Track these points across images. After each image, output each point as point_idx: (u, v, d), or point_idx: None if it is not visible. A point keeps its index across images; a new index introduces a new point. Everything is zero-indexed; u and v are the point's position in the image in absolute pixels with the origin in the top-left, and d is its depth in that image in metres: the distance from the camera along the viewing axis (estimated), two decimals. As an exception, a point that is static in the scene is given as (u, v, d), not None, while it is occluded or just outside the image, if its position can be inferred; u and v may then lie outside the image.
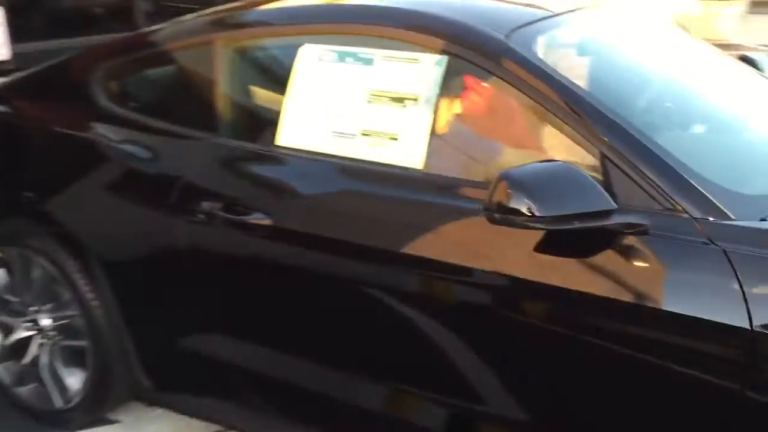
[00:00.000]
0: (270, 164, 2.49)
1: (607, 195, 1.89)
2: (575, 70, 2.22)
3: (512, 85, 2.17)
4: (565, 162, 1.94)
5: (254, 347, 2.55)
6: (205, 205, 2.48)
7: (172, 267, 2.62)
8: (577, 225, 1.85)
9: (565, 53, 2.36)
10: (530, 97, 2.13)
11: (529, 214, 1.84)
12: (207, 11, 2.92)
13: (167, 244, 2.59)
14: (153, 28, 3.02)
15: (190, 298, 2.61)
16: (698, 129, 2.34)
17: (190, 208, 2.50)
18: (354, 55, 2.40)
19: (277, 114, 2.46)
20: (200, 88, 2.65)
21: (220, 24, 2.73)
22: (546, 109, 2.11)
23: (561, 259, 1.96)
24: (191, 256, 2.55)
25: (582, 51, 2.44)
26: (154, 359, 2.76)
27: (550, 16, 2.49)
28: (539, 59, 2.19)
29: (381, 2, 2.55)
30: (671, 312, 1.85)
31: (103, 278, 2.71)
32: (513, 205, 1.86)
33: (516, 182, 1.87)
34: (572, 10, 2.60)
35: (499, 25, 2.32)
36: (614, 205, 1.88)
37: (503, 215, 1.88)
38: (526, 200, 1.84)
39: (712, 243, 1.85)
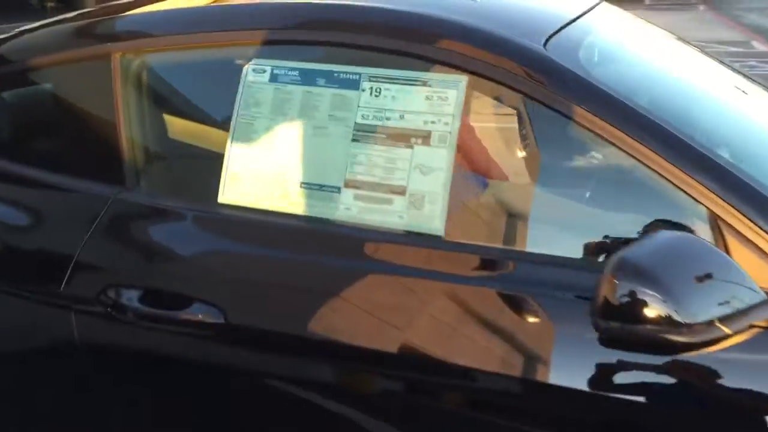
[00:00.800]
0: (212, 232, 1.73)
1: (752, 280, 1.32)
2: (636, 92, 1.64)
3: (565, 116, 1.55)
4: (686, 232, 1.34)
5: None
6: (112, 293, 1.70)
7: (62, 383, 1.81)
8: (728, 332, 1.26)
9: (616, 67, 1.78)
10: (596, 135, 1.53)
11: (662, 320, 1.23)
12: (91, 10, 2.10)
13: (55, 351, 1.79)
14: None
15: (93, 425, 1.82)
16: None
17: (90, 298, 1.72)
18: (329, 75, 1.70)
19: (219, 158, 1.72)
20: (96, 122, 1.85)
21: (120, 29, 1.92)
22: (619, 148, 1.50)
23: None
24: (92, 368, 1.76)
25: (628, 63, 1.87)
26: None
27: (576, 18, 1.89)
28: (597, 79, 1.59)
29: (364, 1, 1.84)
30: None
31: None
32: (633, 310, 1.24)
33: (635, 270, 1.25)
34: (587, 10, 2.02)
35: (530, 32, 1.70)
36: (764, 295, 1.31)
37: (624, 326, 1.25)
38: (659, 301, 1.23)
39: None
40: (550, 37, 1.69)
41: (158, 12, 1.91)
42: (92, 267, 1.74)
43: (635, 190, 1.54)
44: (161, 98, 1.87)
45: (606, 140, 1.51)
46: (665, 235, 1.31)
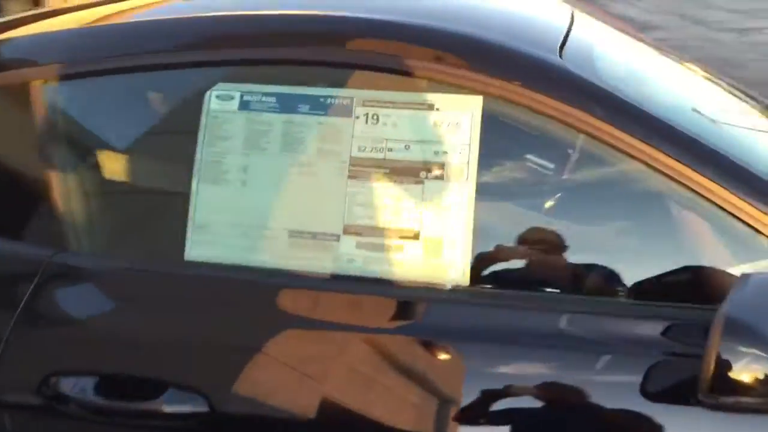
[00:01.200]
0: (179, 297, 1.40)
1: None
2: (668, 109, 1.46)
3: (595, 138, 1.35)
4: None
5: None
6: (55, 383, 1.36)
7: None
8: None
9: (632, 78, 1.59)
10: (634, 158, 1.33)
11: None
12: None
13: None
14: None
15: None
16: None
17: (27, 391, 1.36)
18: (314, 100, 1.42)
19: (182, 206, 1.41)
20: (15, 167, 1.48)
21: (41, 50, 1.54)
22: (668, 176, 1.31)
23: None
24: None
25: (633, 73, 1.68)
26: None
27: (571, 23, 1.70)
28: (626, 94, 1.40)
29: (354, 12, 1.54)
30: None
31: None
32: (747, 378, 1.05)
33: (741, 328, 1.06)
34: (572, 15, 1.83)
35: (539, 42, 1.49)
36: None
37: (740, 400, 1.06)
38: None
39: None
40: (562, 46, 1.49)
41: (91, 28, 1.56)
42: (27, 352, 1.38)
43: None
44: (102, 134, 1.51)
45: (650, 166, 1.31)
46: (758, 279, 1.13)
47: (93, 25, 1.62)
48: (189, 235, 1.40)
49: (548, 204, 1.41)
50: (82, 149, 1.50)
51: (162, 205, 1.48)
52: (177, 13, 1.67)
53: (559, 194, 1.42)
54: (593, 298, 1.34)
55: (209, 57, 1.48)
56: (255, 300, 1.38)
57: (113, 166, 1.50)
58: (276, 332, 1.35)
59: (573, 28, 1.65)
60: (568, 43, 1.52)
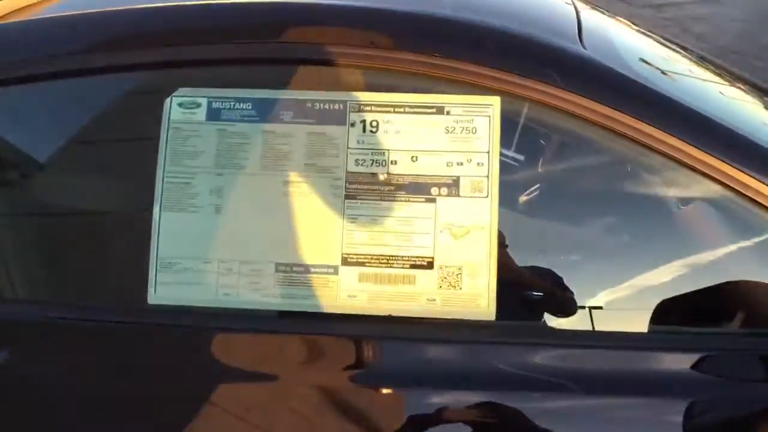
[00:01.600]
0: (144, 351, 1.15)
1: None
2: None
3: (632, 140, 1.16)
4: None
5: None
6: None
7: None
8: None
9: (653, 70, 1.40)
10: (675, 161, 1.15)
11: None
12: None
13: None
14: None
15: None
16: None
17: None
18: (299, 106, 1.17)
19: (142, 240, 1.14)
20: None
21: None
22: (705, 175, 1.14)
23: None
24: None
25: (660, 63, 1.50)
26: None
27: (577, 11, 1.50)
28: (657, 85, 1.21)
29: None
30: None
31: None
32: None
33: None
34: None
35: (556, 30, 1.29)
36: None
37: None
38: None
39: None
40: (580, 34, 1.29)
41: (16, 23, 1.27)
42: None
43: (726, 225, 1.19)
44: (35, 151, 1.23)
45: (691, 168, 1.14)
46: None
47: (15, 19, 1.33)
48: (152, 275, 1.15)
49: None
50: (14, 176, 1.22)
51: (117, 240, 1.21)
52: (104, 6, 1.37)
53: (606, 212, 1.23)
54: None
55: (158, 57, 1.21)
56: (235, 350, 1.14)
57: (53, 192, 1.22)
58: (264, 386, 1.12)
59: (581, 15, 1.46)
60: (587, 33, 1.32)
